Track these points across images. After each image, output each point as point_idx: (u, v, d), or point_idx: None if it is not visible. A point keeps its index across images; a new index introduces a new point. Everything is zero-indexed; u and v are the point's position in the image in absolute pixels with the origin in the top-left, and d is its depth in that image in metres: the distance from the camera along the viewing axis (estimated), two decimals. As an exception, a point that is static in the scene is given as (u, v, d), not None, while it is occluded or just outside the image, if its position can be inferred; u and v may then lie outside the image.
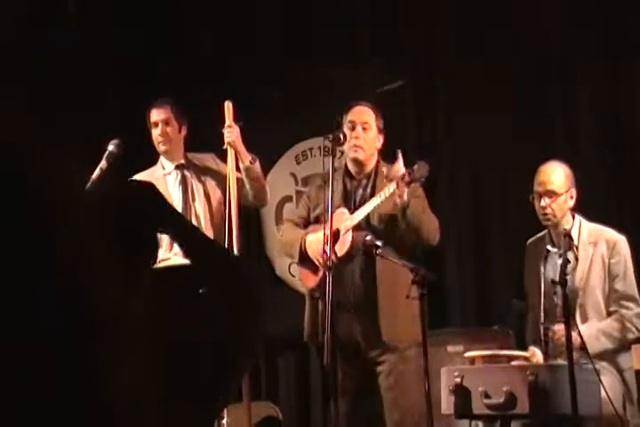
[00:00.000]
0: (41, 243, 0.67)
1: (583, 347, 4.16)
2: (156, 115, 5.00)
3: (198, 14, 6.66)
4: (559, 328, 4.25)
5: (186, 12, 6.71)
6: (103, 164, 4.78)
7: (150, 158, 5.17)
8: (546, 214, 4.57)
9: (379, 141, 4.72)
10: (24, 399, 0.65)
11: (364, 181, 4.70)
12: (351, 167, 4.75)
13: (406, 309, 4.32)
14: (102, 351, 0.69)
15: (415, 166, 4.43)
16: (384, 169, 4.64)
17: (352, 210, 4.61)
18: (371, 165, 4.71)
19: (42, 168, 0.70)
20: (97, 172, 4.74)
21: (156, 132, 4.99)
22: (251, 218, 6.17)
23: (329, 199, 4.37)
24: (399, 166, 4.43)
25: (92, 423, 0.67)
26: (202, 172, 5.04)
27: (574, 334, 4.15)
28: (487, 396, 4.10)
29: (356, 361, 4.57)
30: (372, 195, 4.61)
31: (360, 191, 4.69)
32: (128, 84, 6.48)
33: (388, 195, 4.45)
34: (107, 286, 0.71)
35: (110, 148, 4.86)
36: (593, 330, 4.42)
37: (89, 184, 4.65)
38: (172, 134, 4.99)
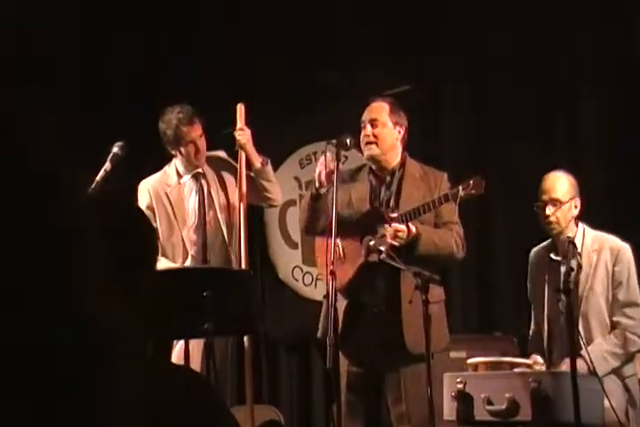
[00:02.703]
0: (40, 240, 0.66)
1: (593, 372, 4.17)
2: (192, 132, 4.89)
3: (207, 16, 6.66)
4: (566, 364, 4.23)
5: (193, 14, 6.70)
6: (107, 165, 4.77)
7: (155, 161, 5.17)
8: (550, 223, 4.57)
9: (399, 134, 4.60)
10: (22, 403, 0.64)
11: (388, 179, 4.60)
12: (373, 166, 4.65)
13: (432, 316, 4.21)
14: (100, 354, 0.68)
15: (471, 181, 4.31)
16: (412, 166, 4.59)
17: (378, 208, 4.56)
18: (393, 161, 4.60)
19: (44, 166, 0.69)
20: (101, 173, 4.73)
21: (194, 150, 4.91)
22: (254, 221, 6.16)
23: (333, 203, 4.35)
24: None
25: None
26: (220, 168, 5.02)
27: (582, 363, 4.17)
28: (490, 402, 4.09)
29: (366, 364, 4.49)
30: (399, 193, 4.54)
31: (384, 189, 4.59)
32: (132, 85, 6.48)
33: (437, 206, 4.38)
34: (105, 287, 0.70)
35: (114, 149, 4.84)
36: (598, 352, 4.40)
37: (93, 185, 4.66)
38: (205, 146, 4.97)
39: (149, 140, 5.13)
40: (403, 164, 4.61)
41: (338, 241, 4.45)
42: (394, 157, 4.61)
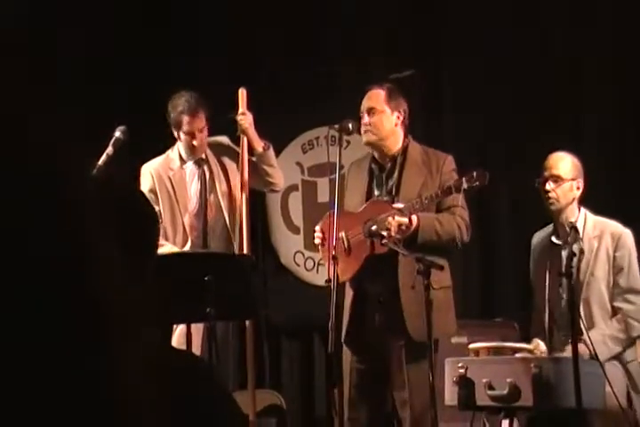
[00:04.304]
0: (40, 227, 0.66)
1: (594, 356, 4.17)
2: (192, 124, 4.85)
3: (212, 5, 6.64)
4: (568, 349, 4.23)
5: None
6: (110, 150, 4.76)
7: (157, 145, 5.17)
8: (549, 198, 4.59)
9: (397, 119, 4.58)
10: (24, 399, 0.64)
11: (390, 165, 4.58)
12: (374, 153, 4.64)
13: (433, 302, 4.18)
14: (102, 340, 0.68)
15: (474, 173, 4.30)
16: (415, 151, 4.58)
17: (382, 196, 4.55)
18: (394, 147, 4.57)
19: (44, 165, 0.69)
20: (103, 157, 4.73)
21: (191, 141, 4.87)
22: (256, 207, 6.15)
23: (336, 188, 4.36)
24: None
25: (93, 422, 0.67)
26: (221, 153, 5.01)
27: (583, 347, 4.17)
28: (491, 387, 4.10)
29: (371, 355, 4.49)
30: (400, 179, 4.52)
31: (385, 177, 4.58)
32: (135, 70, 6.47)
33: (441, 198, 4.38)
34: (109, 271, 0.70)
35: (117, 134, 4.83)
36: (599, 336, 4.41)
37: (95, 169, 4.66)
38: (204, 140, 4.95)
39: (151, 124, 5.13)
40: (405, 149, 4.60)
41: (342, 234, 4.46)
42: (394, 143, 4.59)
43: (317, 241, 4.62)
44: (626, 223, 4.68)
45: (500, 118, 6.04)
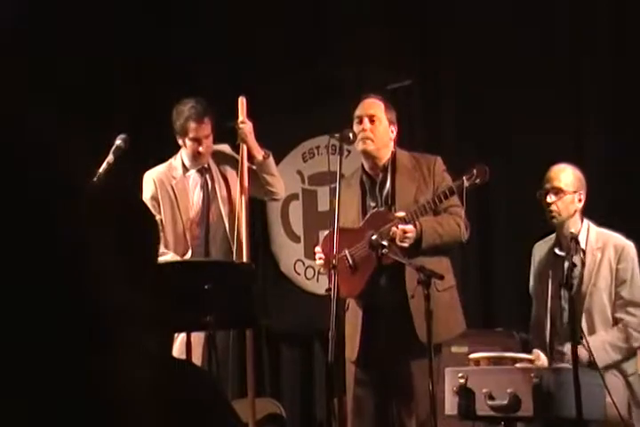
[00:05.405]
0: (41, 233, 0.66)
1: (592, 361, 4.16)
2: (199, 131, 4.85)
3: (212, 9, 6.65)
4: (568, 349, 4.21)
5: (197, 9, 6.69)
6: (110, 158, 4.77)
7: (155, 146, 5.17)
8: (551, 211, 4.58)
9: (392, 133, 4.61)
10: (23, 399, 0.64)
11: (382, 175, 4.57)
12: (365, 162, 4.63)
13: (440, 308, 4.20)
14: (102, 340, 0.68)
15: (474, 170, 4.31)
16: (402, 156, 4.59)
17: (379, 207, 4.54)
18: (385, 158, 4.58)
19: (46, 159, 0.69)
20: (104, 166, 4.73)
21: (197, 148, 4.86)
22: (256, 215, 6.15)
23: (336, 199, 4.35)
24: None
25: (93, 422, 0.66)
26: (223, 162, 5.01)
27: (583, 351, 4.15)
28: (491, 397, 4.09)
29: (378, 363, 4.46)
30: (393, 187, 4.52)
31: (378, 188, 4.56)
32: (135, 70, 6.48)
33: (443, 200, 4.37)
34: (109, 272, 0.70)
35: (117, 142, 4.83)
36: (599, 343, 4.40)
37: (96, 177, 4.66)
38: (210, 147, 4.94)
39: (149, 125, 5.13)
40: (393, 158, 4.60)
41: (346, 251, 4.45)
42: (385, 154, 4.60)
43: (320, 262, 4.59)
44: (625, 224, 4.68)
45: (500, 118, 6.04)
